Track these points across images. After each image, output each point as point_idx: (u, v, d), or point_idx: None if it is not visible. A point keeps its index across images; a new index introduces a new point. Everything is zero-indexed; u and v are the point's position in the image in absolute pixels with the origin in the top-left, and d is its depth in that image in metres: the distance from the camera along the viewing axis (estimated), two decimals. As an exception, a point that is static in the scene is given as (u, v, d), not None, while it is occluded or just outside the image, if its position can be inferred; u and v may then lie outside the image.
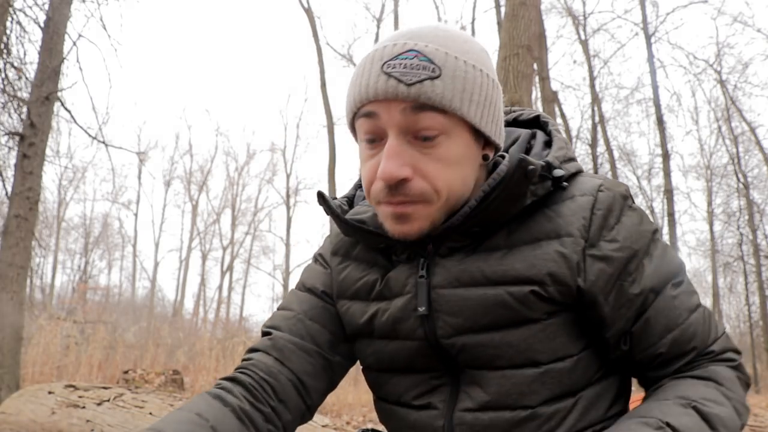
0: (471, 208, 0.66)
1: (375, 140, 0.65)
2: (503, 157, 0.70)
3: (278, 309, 0.82)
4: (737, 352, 0.72)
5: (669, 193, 10.49)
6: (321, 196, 0.75)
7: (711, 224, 14.08)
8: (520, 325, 0.66)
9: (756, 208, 13.01)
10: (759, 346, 13.04)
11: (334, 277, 0.79)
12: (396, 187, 0.62)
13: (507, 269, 0.66)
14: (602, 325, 0.68)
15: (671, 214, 10.30)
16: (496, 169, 0.67)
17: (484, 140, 0.67)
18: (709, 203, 14.29)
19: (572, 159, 0.72)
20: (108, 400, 3.29)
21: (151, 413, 3.05)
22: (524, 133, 0.75)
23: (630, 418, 0.63)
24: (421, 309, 0.68)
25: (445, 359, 0.70)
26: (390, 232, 0.66)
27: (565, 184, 0.67)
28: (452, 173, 0.64)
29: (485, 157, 0.68)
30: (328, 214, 0.76)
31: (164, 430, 0.62)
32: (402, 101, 0.61)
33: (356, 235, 0.75)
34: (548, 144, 0.73)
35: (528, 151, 0.72)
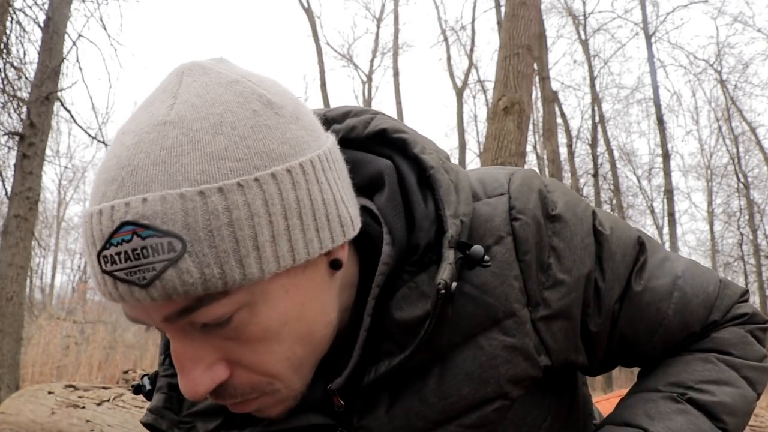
0: (364, 335, 0.48)
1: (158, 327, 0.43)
2: (368, 211, 0.50)
3: None
4: (742, 298, 0.60)
5: (669, 193, 10.50)
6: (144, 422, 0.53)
7: (711, 224, 14.09)
8: (497, 425, 0.52)
9: (756, 208, 13.01)
10: (759, 346, 13.03)
11: None
12: (216, 392, 0.44)
13: (453, 401, 0.49)
14: (582, 370, 0.59)
15: (671, 214, 10.31)
16: (378, 259, 0.48)
17: (325, 255, 0.44)
18: (710, 203, 14.30)
19: (464, 188, 0.51)
20: (108, 400, 3.29)
21: (151, 413, 3.05)
22: (387, 169, 0.51)
23: (613, 425, 0.53)
24: None
25: None
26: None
27: (486, 258, 0.47)
28: (283, 344, 0.43)
29: (335, 264, 0.45)
30: None
31: None
32: (150, 307, 0.40)
33: None
34: (422, 182, 0.51)
35: (408, 208, 0.50)
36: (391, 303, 0.48)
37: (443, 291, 0.44)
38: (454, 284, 0.45)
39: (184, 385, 0.42)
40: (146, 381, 0.56)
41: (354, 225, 0.46)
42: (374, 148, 0.53)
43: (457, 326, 0.49)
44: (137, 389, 0.55)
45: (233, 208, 0.38)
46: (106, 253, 0.38)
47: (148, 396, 0.54)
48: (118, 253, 0.38)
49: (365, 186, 0.51)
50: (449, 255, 0.46)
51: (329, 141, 0.46)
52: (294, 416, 0.49)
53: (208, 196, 0.38)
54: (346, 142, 0.52)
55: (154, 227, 0.37)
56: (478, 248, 0.47)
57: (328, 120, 0.56)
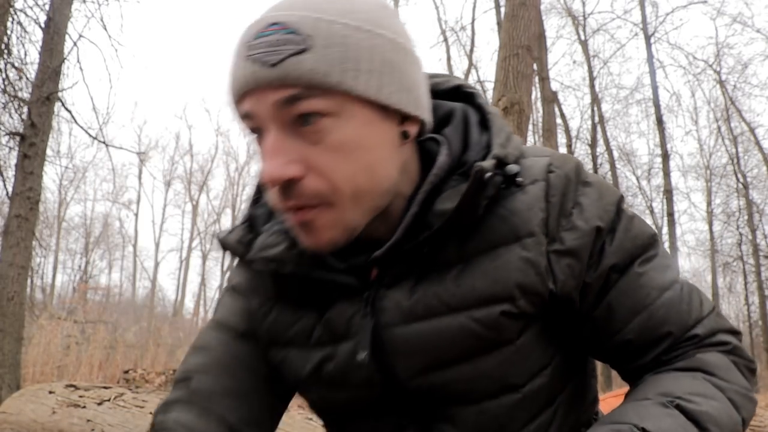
0: (414, 214, 0.55)
1: (261, 133, 0.53)
2: (435, 140, 0.58)
3: (193, 349, 0.68)
4: (733, 332, 0.62)
5: (668, 193, 10.51)
6: (220, 241, 0.63)
7: (710, 224, 14.10)
8: (491, 350, 0.57)
9: (755, 208, 13.02)
10: (758, 346, 13.05)
11: (259, 320, 0.65)
12: (287, 188, 0.52)
13: (467, 290, 0.56)
14: (579, 324, 0.62)
15: (671, 214, 10.32)
16: (434, 164, 0.56)
17: (398, 116, 0.54)
18: (709, 203, 14.31)
19: (516, 140, 0.61)
20: (108, 400, 3.29)
21: (151, 413, 3.04)
22: (457, 109, 0.62)
23: (602, 424, 0.54)
24: (361, 356, 0.57)
25: (411, 402, 0.60)
26: (305, 245, 0.55)
27: (519, 179, 0.56)
28: (352, 163, 0.52)
29: (405, 134, 0.55)
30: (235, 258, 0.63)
31: None
32: (268, 87, 0.50)
33: (278, 281, 0.62)
34: (483, 125, 0.60)
35: (466, 136, 0.60)
36: (436, 200, 0.56)
37: (477, 173, 0.53)
38: (488, 174, 0.53)
39: (266, 169, 0.51)
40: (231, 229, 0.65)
41: (425, 114, 0.57)
42: (450, 99, 0.64)
43: (484, 237, 0.57)
44: (223, 242, 0.63)
45: (363, 39, 0.51)
46: (253, 44, 0.50)
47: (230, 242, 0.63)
48: (260, 44, 0.50)
49: (438, 123, 0.61)
50: (490, 164, 0.54)
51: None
52: (332, 272, 0.58)
53: (346, 25, 0.51)
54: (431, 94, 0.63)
55: (291, 27, 0.49)
56: (513, 167, 0.56)
57: None
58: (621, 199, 0.62)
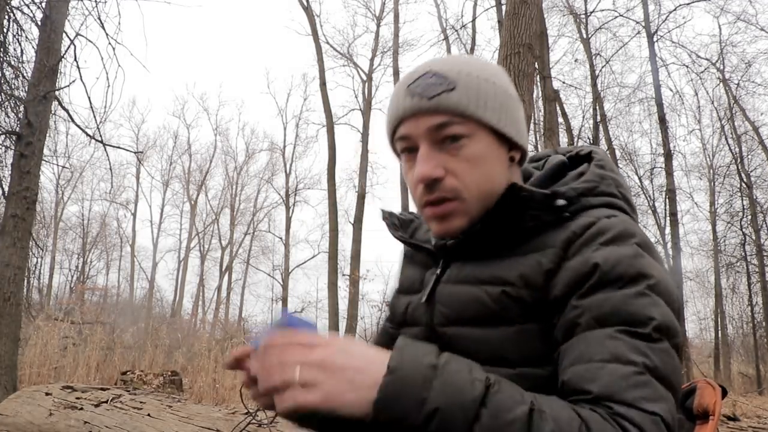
0: (479, 220, 0.73)
1: (411, 151, 0.74)
2: (531, 174, 0.83)
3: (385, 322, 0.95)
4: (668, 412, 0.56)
5: (671, 192, 10.45)
6: (386, 216, 0.91)
7: (714, 224, 14.01)
8: (496, 324, 0.69)
9: (759, 208, 12.95)
10: (762, 347, 12.98)
11: (401, 271, 0.92)
12: (432, 185, 0.72)
13: (490, 272, 0.72)
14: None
15: (673, 214, 10.26)
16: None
17: (508, 143, 0.75)
18: (712, 203, 14.22)
19: (605, 193, 0.74)
20: (106, 402, 3.26)
21: (149, 414, 3.02)
22: (557, 159, 0.82)
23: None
24: (423, 298, 0.79)
25: (442, 348, 0.66)
26: (434, 233, 0.77)
27: (567, 214, 0.71)
28: (479, 171, 0.72)
29: (512, 159, 0.76)
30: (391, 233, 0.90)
31: None
32: (425, 113, 0.71)
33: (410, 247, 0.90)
34: (582, 175, 0.77)
35: (555, 177, 0.79)
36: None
37: (518, 191, 0.70)
38: (525, 194, 0.71)
39: (419, 170, 0.72)
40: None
41: (526, 146, 0.78)
42: (582, 161, 0.83)
43: (528, 245, 0.71)
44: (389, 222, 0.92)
45: (488, 87, 0.73)
46: (413, 84, 0.73)
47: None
48: (420, 84, 0.72)
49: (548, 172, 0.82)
50: (536, 190, 0.71)
51: None
52: (431, 242, 0.83)
53: (478, 77, 0.73)
54: (573, 157, 0.85)
55: (444, 75, 0.72)
56: (561, 201, 0.71)
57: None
58: (651, 278, 0.62)
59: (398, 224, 0.91)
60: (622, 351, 0.58)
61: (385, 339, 0.92)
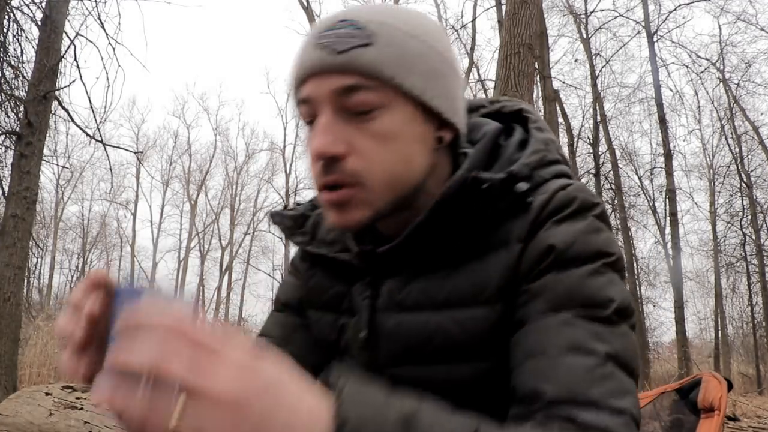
0: (423, 218, 0.58)
1: (313, 121, 0.58)
2: (466, 155, 0.63)
3: (258, 336, 0.75)
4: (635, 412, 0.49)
5: (671, 192, 10.45)
6: (273, 217, 0.74)
7: (714, 224, 14.00)
8: (467, 360, 0.56)
9: (759, 208, 12.94)
10: (762, 347, 12.98)
11: (304, 282, 0.73)
12: (329, 164, 0.56)
13: (451, 290, 0.58)
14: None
15: (673, 214, 10.26)
16: (455, 173, 0.60)
17: (437, 120, 0.59)
18: (712, 203, 14.21)
19: (552, 162, 0.62)
20: (105, 402, 3.25)
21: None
22: (493, 127, 0.65)
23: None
24: (362, 334, 0.63)
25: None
26: (330, 224, 0.59)
27: (530, 199, 0.57)
28: (390, 151, 0.56)
29: (440, 139, 0.60)
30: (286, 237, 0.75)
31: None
32: (331, 72, 0.55)
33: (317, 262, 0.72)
34: (524, 144, 0.63)
35: (496, 151, 0.63)
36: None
37: (472, 177, 0.56)
38: (486, 185, 0.56)
39: (315, 143, 0.55)
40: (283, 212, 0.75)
41: (461, 125, 0.62)
42: (508, 121, 0.69)
43: (479, 242, 0.59)
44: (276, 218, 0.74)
45: (416, 46, 0.57)
46: (323, 34, 0.56)
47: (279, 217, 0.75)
48: (330, 35, 0.56)
49: (476, 141, 0.66)
50: (492, 176, 0.57)
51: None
52: (346, 251, 0.66)
53: (405, 32, 0.57)
54: (493, 114, 0.71)
55: (361, 26, 0.55)
56: (522, 185, 0.57)
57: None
58: (609, 255, 0.55)
59: (292, 224, 0.73)
60: (582, 339, 0.50)
61: (284, 332, 0.74)
